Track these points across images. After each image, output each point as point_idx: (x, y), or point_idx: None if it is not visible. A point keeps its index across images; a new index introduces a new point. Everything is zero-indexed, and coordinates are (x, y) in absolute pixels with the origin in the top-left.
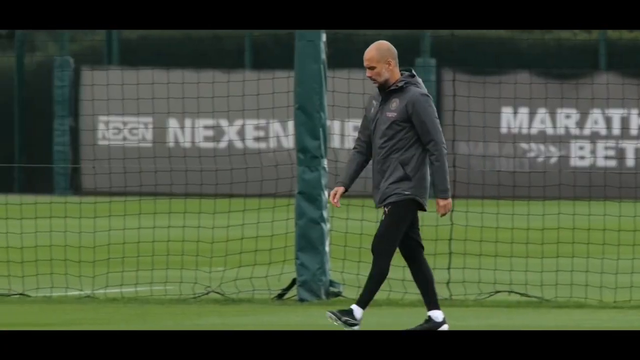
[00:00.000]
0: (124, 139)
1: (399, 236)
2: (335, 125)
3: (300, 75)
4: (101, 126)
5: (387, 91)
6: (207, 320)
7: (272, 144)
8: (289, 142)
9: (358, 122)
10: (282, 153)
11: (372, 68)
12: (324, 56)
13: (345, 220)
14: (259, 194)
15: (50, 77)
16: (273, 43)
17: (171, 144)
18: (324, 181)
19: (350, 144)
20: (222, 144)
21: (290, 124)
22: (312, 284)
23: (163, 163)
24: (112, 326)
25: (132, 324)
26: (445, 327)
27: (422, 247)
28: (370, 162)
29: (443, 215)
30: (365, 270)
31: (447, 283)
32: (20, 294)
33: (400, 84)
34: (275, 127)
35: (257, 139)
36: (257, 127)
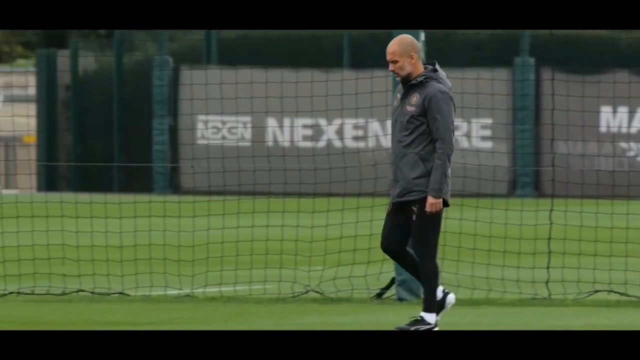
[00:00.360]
0: (223, 138)
1: (436, 231)
2: None
3: None
4: (200, 125)
5: (408, 85)
6: (305, 319)
7: (371, 143)
8: (387, 142)
9: (457, 122)
10: (380, 152)
11: (394, 62)
12: (422, 55)
13: (444, 219)
14: (358, 193)
15: (149, 76)
16: (371, 42)
17: (270, 143)
18: None
19: None
20: (321, 143)
21: (389, 123)
22: (411, 283)
23: (262, 162)
24: (211, 325)
25: (231, 323)
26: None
27: (406, 243)
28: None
29: (430, 213)
30: (466, 269)
31: (546, 282)
32: (120, 293)
33: (420, 79)
34: (374, 126)
35: (356, 138)
36: (356, 126)
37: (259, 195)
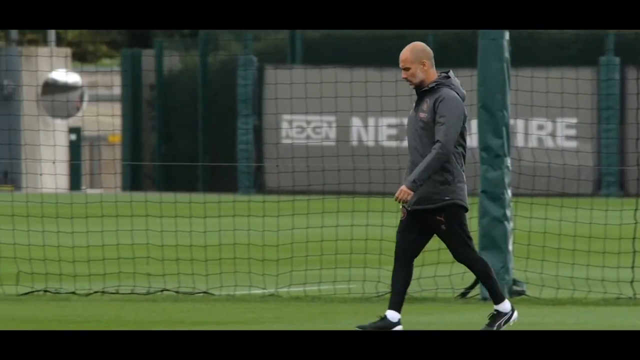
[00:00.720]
0: (307, 137)
1: (467, 234)
2: (518, 124)
3: (483, 73)
4: (284, 125)
5: (420, 92)
6: None
7: None
8: (471, 141)
9: (542, 121)
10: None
11: (406, 69)
12: (507, 54)
13: (528, 219)
14: None
15: (234, 76)
16: (456, 42)
17: (354, 143)
18: (507, 180)
19: (533, 142)
20: (405, 143)
21: (473, 123)
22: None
23: (346, 162)
24: (295, 325)
25: (315, 323)
26: (399, 328)
27: (416, 256)
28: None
29: (397, 199)
30: (550, 268)
31: (631, 282)
32: (204, 293)
33: (431, 85)
34: None
35: None
36: None
37: (343, 194)
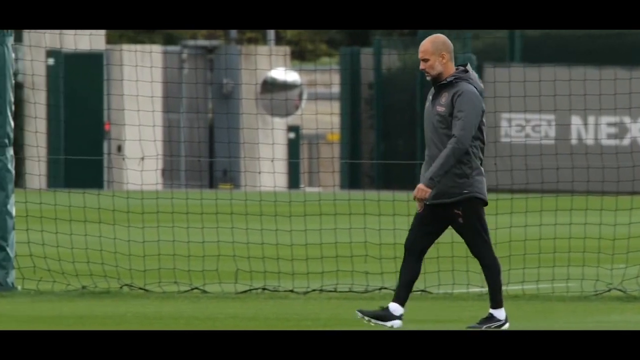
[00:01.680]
0: (526, 136)
1: (484, 229)
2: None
3: None
4: (503, 123)
5: (438, 85)
6: (607, 317)
7: None
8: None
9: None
10: None
11: (425, 60)
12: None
13: None
14: None
15: None
16: None
17: (574, 141)
18: None
19: None
20: (625, 141)
21: None
22: None
23: (565, 160)
24: (512, 324)
25: (533, 322)
26: (397, 323)
27: (425, 252)
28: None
29: (415, 198)
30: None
31: None
32: (422, 291)
33: (450, 79)
34: None
35: None
36: None
37: (562, 193)
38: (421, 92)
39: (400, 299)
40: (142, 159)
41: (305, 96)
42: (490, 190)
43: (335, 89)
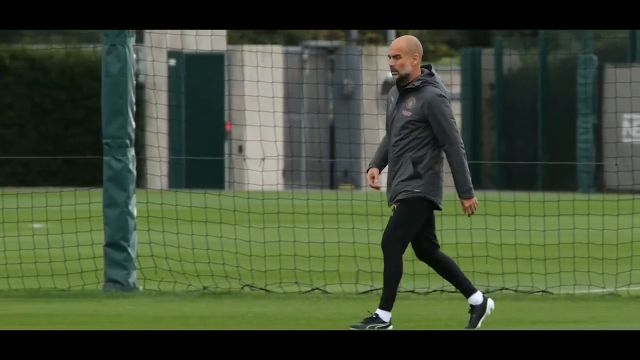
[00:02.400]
0: None
1: (410, 233)
2: None
3: None
4: (625, 124)
5: (403, 89)
6: None
7: None
8: None
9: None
10: None
11: (397, 57)
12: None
13: None
14: None
15: (574, 74)
16: None
17: None
18: None
19: None
20: None
21: None
22: None
23: None
24: (634, 325)
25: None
26: (490, 303)
27: (438, 246)
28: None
29: (470, 215)
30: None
31: None
32: (543, 291)
33: (417, 83)
34: None
35: None
36: None
37: None
38: (542, 92)
39: (468, 290)
40: (263, 159)
41: None
42: (611, 191)
43: (456, 90)
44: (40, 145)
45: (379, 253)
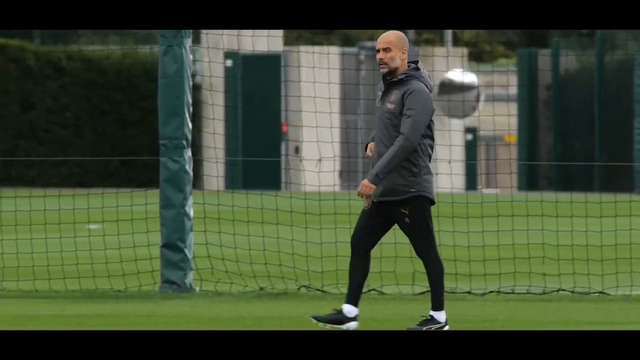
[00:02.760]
0: None
1: (430, 231)
2: None
3: None
4: None
5: (389, 83)
6: None
7: None
8: None
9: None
10: None
11: (387, 50)
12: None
13: None
14: None
15: (631, 75)
16: None
17: None
18: None
19: None
20: None
21: None
22: None
23: None
24: None
25: None
26: (353, 325)
27: (370, 249)
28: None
29: (359, 194)
30: None
31: None
32: (600, 292)
33: (401, 77)
34: None
35: None
36: None
37: None
38: (599, 93)
39: (353, 299)
40: (320, 160)
41: (482, 98)
42: None
43: (513, 91)
44: (97, 146)
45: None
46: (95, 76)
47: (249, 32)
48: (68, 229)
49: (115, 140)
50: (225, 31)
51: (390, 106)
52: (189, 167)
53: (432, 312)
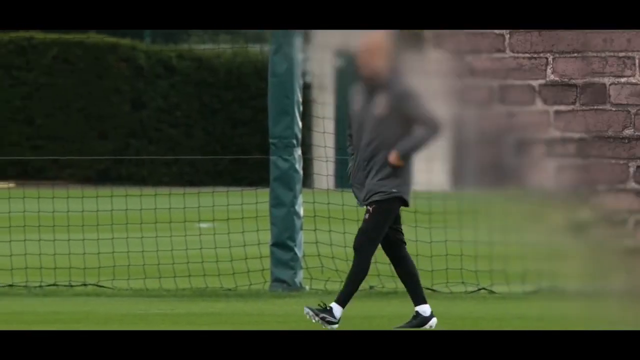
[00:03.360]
0: None
1: (382, 234)
2: None
3: None
4: None
5: (371, 86)
6: None
7: None
8: None
9: None
10: None
11: (370, 53)
12: None
13: None
14: None
15: None
16: None
17: None
18: None
19: None
20: None
21: None
22: None
23: None
24: None
25: None
26: (433, 321)
27: (404, 243)
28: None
29: (389, 164)
30: None
31: None
32: None
33: (385, 80)
34: None
35: None
36: None
37: None
38: None
39: (420, 298)
40: (428, 160)
41: None
42: None
43: None
44: (207, 145)
45: (551, 252)
46: (206, 75)
47: (360, 31)
48: (179, 227)
49: (226, 139)
50: (336, 30)
51: (379, 110)
52: (298, 166)
53: (334, 304)
